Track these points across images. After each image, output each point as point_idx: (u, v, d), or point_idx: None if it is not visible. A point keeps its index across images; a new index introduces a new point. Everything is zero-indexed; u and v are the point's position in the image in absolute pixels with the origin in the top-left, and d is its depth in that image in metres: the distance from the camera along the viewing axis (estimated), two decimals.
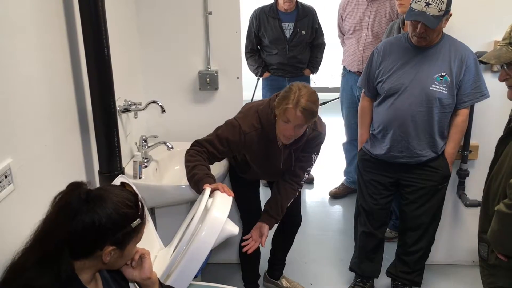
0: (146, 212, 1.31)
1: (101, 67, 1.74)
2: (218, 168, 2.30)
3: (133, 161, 2.18)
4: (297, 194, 2.30)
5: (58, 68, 1.66)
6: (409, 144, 2.30)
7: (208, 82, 2.56)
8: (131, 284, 1.37)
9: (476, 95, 2.28)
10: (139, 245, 1.31)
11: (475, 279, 2.06)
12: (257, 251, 2.57)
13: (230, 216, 1.66)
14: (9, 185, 1.31)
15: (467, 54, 2.25)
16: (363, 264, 2.64)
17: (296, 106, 1.90)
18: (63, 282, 1.12)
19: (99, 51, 1.72)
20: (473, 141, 2.61)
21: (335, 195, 3.80)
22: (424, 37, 2.19)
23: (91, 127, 1.86)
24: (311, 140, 2.17)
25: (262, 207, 2.35)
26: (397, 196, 2.57)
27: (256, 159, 2.20)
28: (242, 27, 2.55)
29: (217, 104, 2.62)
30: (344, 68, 3.52)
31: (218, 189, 1.80)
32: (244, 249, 2.18)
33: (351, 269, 2.72)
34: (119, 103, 2.12)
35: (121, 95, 2.15)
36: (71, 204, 1.14)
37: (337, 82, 3.77)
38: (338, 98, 3.66)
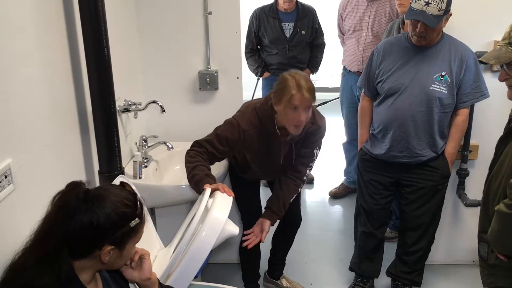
0: (145, 212, 1.31)
1: (101, 67, 1.74)
2: (218, 168, 2.29)
3: (133, 161, 2.18)
4: (299, 190, 2.30)
5: (58, 68, 1.66)
6: (409, 144, 2.30)
7: (208, 82, 2.56)
8: (131, 285, 1.37)
9: (476, 94, 2.28)
10: (139, 245, 1.30)
11: (475, 279, 2.06)
12: (257, 251, 2.58)
13: (230, 216, 1.66)
14: (9, 185, 1.31)
15: (467, 53, 2.24)
16: (363, 264, 2.64)
17: (300, 89, 1.92)
18: (63, 282, 1.12)
19: (99, 51, 1.72)
20: (473, 141, 2.61)
21: (335, 195, 3.79)
22: (424, 36, 2.19)
23: (91, 127, 1.86)
24: (311, 134, 2.17)
25: (263, 207, 2.35)
26: (397, 196, 2.57)
27: (256, 157, 2.20)
28: (242, 27, 2.55)
29: (217, 104, 2.62)
30: (344, 68, 3.51)
31: (218, 189, 1.80)
32: (244, 244, 2.17)
33: (351, 269, 2.72)
34: (119, 103, 2.12)
35: (121, 95, 2.15)
36: (70, 203, 1.13)
37: (337, 82, 3.77)
38: (338, 98, 3.66)
